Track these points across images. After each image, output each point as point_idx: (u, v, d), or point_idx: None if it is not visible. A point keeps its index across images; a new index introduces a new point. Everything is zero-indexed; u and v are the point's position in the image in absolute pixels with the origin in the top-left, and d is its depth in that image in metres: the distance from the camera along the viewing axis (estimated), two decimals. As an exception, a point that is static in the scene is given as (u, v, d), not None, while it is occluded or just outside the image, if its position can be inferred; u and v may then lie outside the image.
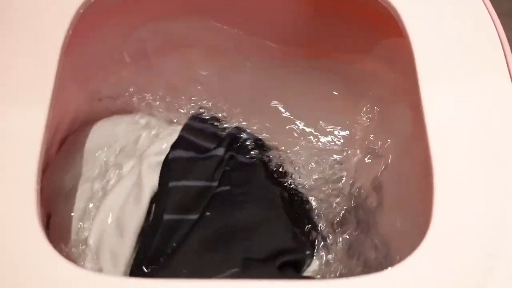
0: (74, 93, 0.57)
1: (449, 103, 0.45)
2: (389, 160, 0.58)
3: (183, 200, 0.53)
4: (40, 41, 0.47)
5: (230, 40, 0.62)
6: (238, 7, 0.61)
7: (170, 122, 0.63)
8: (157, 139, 0.60)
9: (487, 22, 0.49)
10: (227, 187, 0.55)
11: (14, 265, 0.37)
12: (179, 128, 0.61)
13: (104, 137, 0.59)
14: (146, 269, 0.51)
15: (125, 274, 0.52)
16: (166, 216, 0.52)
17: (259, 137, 0.62)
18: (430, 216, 0.39)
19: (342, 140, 0.63)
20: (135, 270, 0.52)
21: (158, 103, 0.63)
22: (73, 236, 0.53)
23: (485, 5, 0.50)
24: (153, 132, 0.62)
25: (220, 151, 0.58)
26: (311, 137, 0.63)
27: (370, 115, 0.63)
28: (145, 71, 0.62)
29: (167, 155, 0.56)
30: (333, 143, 0.63)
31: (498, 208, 0.40)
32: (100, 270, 0.52)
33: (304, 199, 0.60)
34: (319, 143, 0.63)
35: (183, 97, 0.63)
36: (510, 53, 0.47)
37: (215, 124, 0.62)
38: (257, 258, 0.50)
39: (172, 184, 0.54)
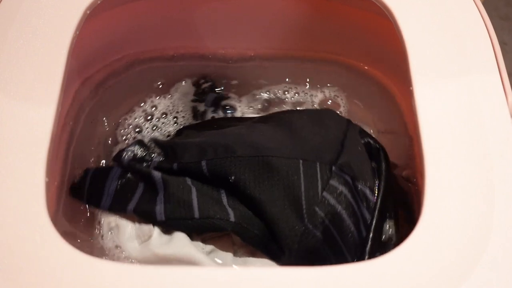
0: (78, 86, 0.58)
1: (442, 100, 0.46)
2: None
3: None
4: (49, 41, 0.48)
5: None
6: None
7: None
8: None
9: (479, 23, 0.50)
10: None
11: (26, 259, 0.39)
12: None
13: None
14: None
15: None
16: None
17: None
18: (421, 207, 0.41)
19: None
20: None
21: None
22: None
23: (477, 7, 0.52)
24: None
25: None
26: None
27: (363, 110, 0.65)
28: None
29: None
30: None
31: (486, 201, 0.41)
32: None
33: None
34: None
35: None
36: (500, 52, 0.48)
37: None
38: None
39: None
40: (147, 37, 0.64)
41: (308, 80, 0.67)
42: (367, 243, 0.49)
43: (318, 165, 0.49)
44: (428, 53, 0.49)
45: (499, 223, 0.40)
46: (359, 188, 0.49)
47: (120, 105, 0.64)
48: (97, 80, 0.61)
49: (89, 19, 0.51)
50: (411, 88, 0.47)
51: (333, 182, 0.48)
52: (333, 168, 0.49)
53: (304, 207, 0.47)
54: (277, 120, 0.57)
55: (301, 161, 0.49)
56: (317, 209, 0.47)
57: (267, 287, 0.37)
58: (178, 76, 0.67)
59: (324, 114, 0.57)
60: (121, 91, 0.64)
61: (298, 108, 0.66)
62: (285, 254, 0.47)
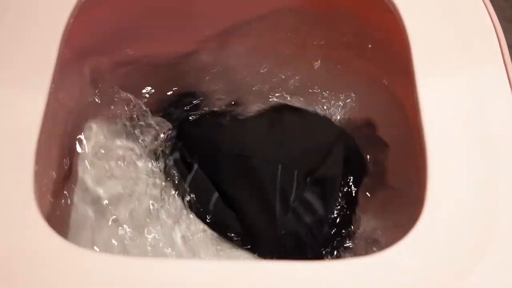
0: (76, 78, 0.57)
1: (445, 93, 0.45)
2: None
3: None
4: (41, 29, 0.48)
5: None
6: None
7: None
8: None
9: (485, 17, 0.50)
10: None
11: (12, 246, 0.38)
12: None
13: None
14: None
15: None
16: None
17: None
18: (423, 202, 0.39)
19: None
20: None
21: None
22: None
23: (484, 4, 0.51)
24: None
25: None
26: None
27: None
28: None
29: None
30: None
31: (490, 196, 0.40)
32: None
33: None
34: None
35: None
36: (506, 46, 0.47)
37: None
38: None
39: None
40: (145, 33, 0.62)
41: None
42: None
43: (295, 173, 0.52)
44: (432, 48, 0.48)
45: (504, 219, 0.39)
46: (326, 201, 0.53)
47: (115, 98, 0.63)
48: (93, 72, 0.60)
49: (84, 9, 0.50)
50: (414, 83, 0.46)
51: (306, 195, 0.52)
52: (308, 179, 0.53)
53: (277, 214, 0.51)
54: (270, 116, 0.59)
55: (280, 166, 0.52)
56: (288, 216, 0.51)
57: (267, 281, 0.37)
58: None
59: (316, 121, 0.60)
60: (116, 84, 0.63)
61: (296, 105, 0.64)
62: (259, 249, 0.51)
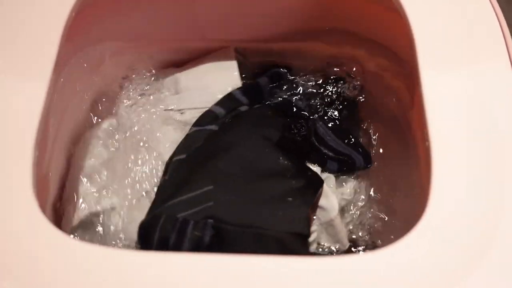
0: (78, 70, 0.57)
1: (449, 86, 0.44)
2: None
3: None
4: (44, 18, 0.48)
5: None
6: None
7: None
8: None
9: (488, 9, 0.49)
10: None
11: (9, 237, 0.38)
12: None
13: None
14: None
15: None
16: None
17: None
18: (427, 198, 0.39)
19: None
20: None
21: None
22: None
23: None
24: None
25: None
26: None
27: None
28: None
29: None
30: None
31: (495, 192, 0.39)
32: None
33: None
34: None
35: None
36: (511, 39, 0.47)
37: None
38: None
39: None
40: (147, 26, 0.62)
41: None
42: None
43: None
44: (436, 40, 0.47)
45: (509, 218, 0.38)
46: None
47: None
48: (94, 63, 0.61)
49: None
50: (417, 75, 0.45)
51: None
52: None
53: None
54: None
55: None
56: None
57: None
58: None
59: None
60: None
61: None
62: None
